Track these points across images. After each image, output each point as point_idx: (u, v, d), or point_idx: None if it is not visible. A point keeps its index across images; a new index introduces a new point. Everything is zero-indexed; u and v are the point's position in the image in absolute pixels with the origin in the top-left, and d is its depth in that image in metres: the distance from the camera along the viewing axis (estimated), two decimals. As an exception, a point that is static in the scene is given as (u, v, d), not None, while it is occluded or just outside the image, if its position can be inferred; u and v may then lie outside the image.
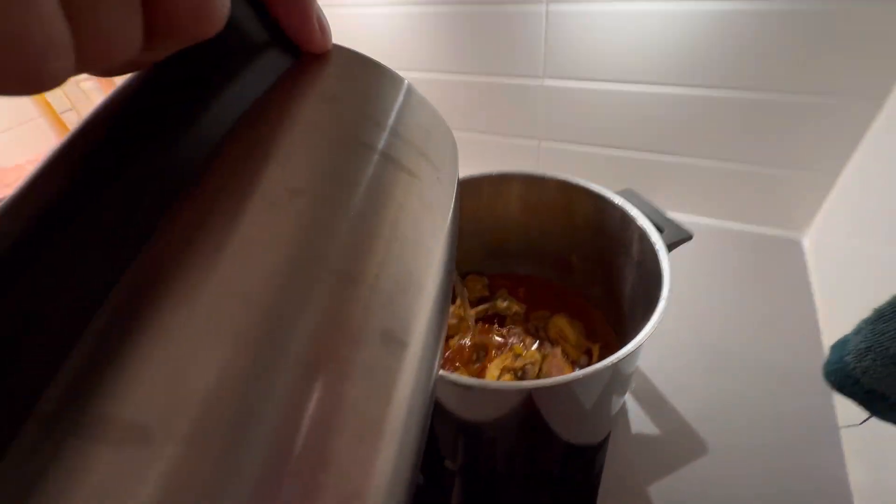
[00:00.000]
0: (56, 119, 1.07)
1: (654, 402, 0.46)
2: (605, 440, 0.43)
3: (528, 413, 0.32)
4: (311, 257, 0.11)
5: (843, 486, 0.38)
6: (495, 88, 0.71)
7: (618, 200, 0.42)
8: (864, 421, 0.25)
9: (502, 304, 0.52)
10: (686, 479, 0.40)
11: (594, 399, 0.34)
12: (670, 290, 0.33)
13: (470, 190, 0.49)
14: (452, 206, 0.18)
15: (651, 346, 0.51)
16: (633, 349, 0.29)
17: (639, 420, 0.45)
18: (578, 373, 0.29)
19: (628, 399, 0.47)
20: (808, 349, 0.49)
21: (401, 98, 0.17)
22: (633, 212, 0.41)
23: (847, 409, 0.41)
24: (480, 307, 0.52)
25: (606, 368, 0.28)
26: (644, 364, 0.50)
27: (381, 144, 0.14)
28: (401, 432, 0.12)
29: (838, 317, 0.49)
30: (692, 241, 0.40)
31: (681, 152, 0.65)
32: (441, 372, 0.28)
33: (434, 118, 0.18)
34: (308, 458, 0.10)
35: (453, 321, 0.49)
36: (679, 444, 0.43)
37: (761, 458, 0.41)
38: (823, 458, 0.40)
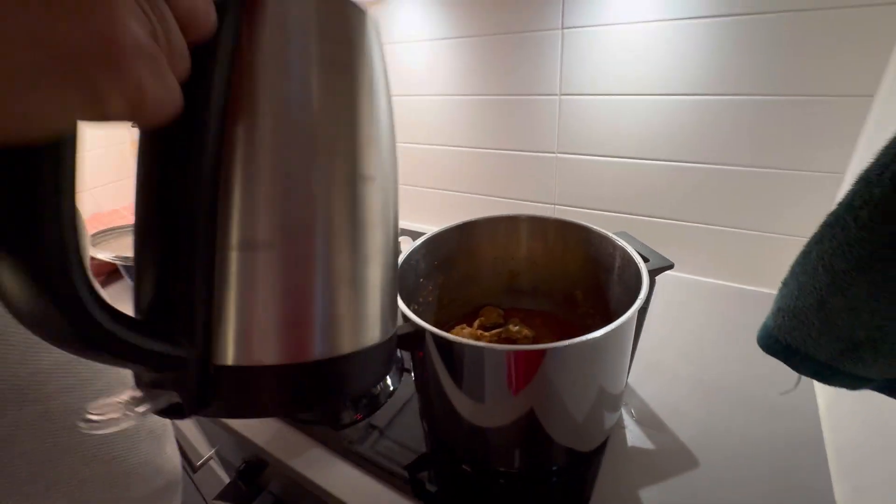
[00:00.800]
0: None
1: (651, 423, 0.50)
2: (602, 448, 0.47)
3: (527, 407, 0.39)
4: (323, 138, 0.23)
5: (829, 500, 0.40)
6: (517, 160, 0.85)
7: (611, 236, 0.51)
8: (797, 384, 0.31)
9: (514, 329, 0.59)
10: (676, 487, 0.43)
11: (586, 401, 0.40)
12: (646, 301, 0.40)
13: (487, 231, 0.59)
14: (373, 68, 0.25)
15: (651, 377, 0.56)
16: (611, 328, 0.36)
17: (635, 436, 0.49)
18: (562, 343, 0.36)
19: (626, 419, 0.51)
20: (794, 382, 0.52)
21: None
22: (624, 244, 0.49)
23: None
24: (494, 331, 0.59)
25: (594, 339, 0.35)
26: (643, 391, 0.54)
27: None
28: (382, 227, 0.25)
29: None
30: (696, 298, 0.47)
31: (677, 217, 0.74)
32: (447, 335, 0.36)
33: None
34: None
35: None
36: (672, 458, 0.46)
37: (750, 471, 0.44)
38: (809, 473, 0.43)
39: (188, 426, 0.73)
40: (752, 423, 0.49)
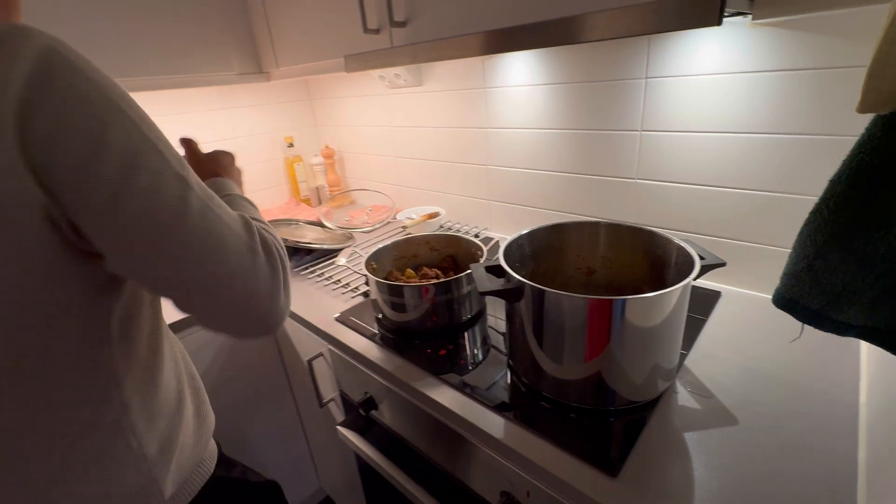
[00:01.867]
0: (295, 185, 1.61)
1: (700, 392, 0.61)
2: (656, 403, 0.59)
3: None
4: None
5: (852, 461, 0.49)
6: (601, 184, 1.00)
7: (673, 238, 0.64)
8: (801, 332, 0.42)
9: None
10: (715, 435, 0.54)
11: (646, 358, 0.54)
12: (695, 280, 0.53)
13: (573, 232, 0.75)
14: None
15: (706, 361, 0.67)
16: (665, 292, 0.50)
17: (684, 399, 0.60)
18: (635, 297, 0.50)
19: (678, 386, 0.62)
20: (841, 372, 0.60)
21: None
22: (682, 243, 0.62)
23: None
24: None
25: (659, 296, 0.50)
26: (697, 370, 0.65)
27: None
28: None
29: (876, 354, 0.60)
30: (754, 310, 0.58)
31: (742, 237, 0.83)
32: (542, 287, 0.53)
33: None
34: None
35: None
36: (714, 416, 0.57)
37: (785, 438, 0.53)
38: (837, 456, 0.51)
39: (322, 370, 0.96)
40: (792, 403, 0.58)
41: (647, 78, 0.85)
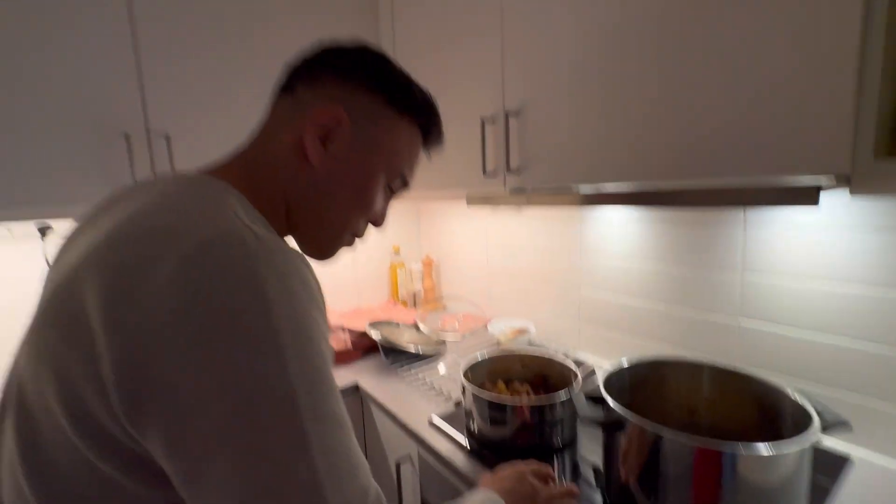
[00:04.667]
0: (395, 288, 1.79)
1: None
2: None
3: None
4: None
5: None
6: (694, 318, 0.99)
7: (787, 390, 0.63)
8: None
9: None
10: None
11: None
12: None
13: (674, 369, 0.75)
14: None
15: None
16: (775, 444, 0.49)
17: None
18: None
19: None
20: None
21: None
22: (799, 397, 0.60)
23: None
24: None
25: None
26: None
27: None
28: None
29: None
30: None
31: (856, 388, 0.76)
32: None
33: None
34: None
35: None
36: None
37: None
38: None
39: (406, 475, 0.98)
40: None
41: (745, 219, 0.90)
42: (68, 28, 0.91)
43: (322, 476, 0.32)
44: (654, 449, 0.56)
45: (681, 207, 0.60)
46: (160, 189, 0.39)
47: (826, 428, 0.55)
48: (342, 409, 0.35)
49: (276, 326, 0.31)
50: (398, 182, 0.52)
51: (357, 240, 0.52)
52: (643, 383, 0.76)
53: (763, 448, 0.50)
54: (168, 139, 1.01)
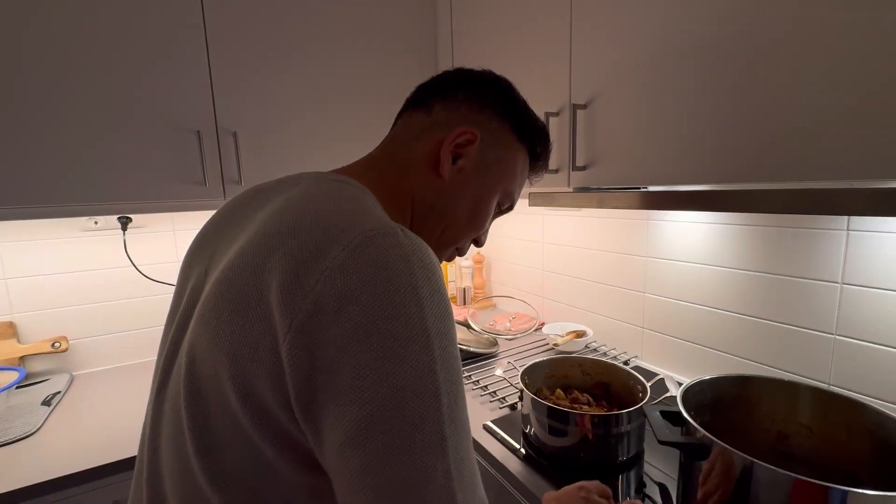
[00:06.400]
0: (445, 283, 1.78)
1: None
2: None
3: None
4: None
5: None
6: (780, 332, 0.90)
7: (907, 423, 0.54)
8: None
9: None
10: None
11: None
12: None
13: (763, 388, 0.68)
14: None
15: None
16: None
17: None
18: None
19: None
20: None
21: None
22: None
23: None
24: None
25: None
26: None
27: None
28: None
29: None
30: None
31: None
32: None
33: None
34: None
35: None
36: None
37: None
38: None
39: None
40: None
41: (848, 230, 0.79)
42: (150, 44, 0.97)
43: (456, 484, 0.31)
44: (743, 478, 0.50)
45: (770, 213, 0.53)
46: (304, 188, 0.42)
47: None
48: (468, 415, 0.35)
49: (427, 325, 0.32)
50: (507, 205, 0.55)
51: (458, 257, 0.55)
52: (728, 401, 0.69)
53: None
54: (235, 135, 1.06)
